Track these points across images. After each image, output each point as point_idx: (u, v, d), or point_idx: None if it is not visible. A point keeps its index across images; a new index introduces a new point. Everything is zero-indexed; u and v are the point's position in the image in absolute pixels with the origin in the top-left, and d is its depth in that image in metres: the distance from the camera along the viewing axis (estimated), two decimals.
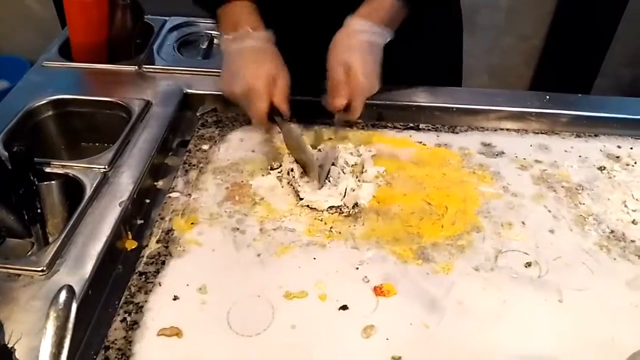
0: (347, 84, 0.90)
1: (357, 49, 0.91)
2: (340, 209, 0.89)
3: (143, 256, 0.83)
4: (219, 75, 1.14)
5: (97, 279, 0.75)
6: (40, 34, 2.28)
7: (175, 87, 1.11)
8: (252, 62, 0.92)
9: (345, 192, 0.90)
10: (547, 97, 1.09)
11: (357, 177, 0.93)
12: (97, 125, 1.10)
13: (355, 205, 0.89)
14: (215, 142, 1.04)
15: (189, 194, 0.93)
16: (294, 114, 0.96)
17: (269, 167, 0.97)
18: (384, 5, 0.94)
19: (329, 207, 0.89)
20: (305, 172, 0.93)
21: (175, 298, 0.76)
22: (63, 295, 0.60)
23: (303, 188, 0.90)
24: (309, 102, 1.02)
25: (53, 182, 0.89)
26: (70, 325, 0.58)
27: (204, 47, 1.28)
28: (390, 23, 0.94)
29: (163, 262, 0.81)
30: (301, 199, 0.90)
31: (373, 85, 0.92)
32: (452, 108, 1.08)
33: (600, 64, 2.32)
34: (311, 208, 0.89)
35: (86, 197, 0.85)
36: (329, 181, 0.92)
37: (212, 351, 0.70)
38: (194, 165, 0.99)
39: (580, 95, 1.13)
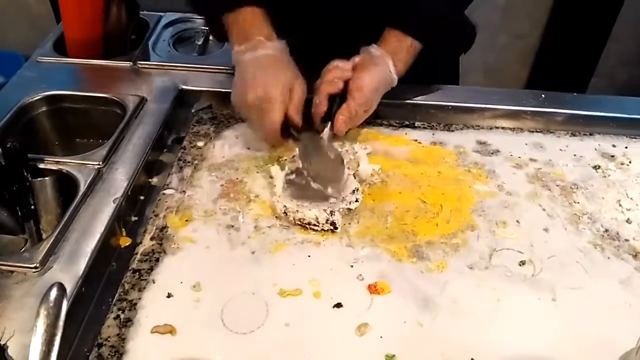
0: (352, 81, 0.92)
1: (375, 74, 0.93)
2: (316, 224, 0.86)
3: (137, 253, 0.82)
4: (214, 72, 1.14)
5: (91, 276, 0.75)
6: (35, 29, 2.27)
7: (170, 84, 1.10)
8: (267, 70, 0.90)
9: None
10: (543, 95, 1.10)
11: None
12: (92, 122, 1.09)
13: (332, 223, 0.85)
14: (211, 139, 1.04)
15: (184, 191, 0.92)
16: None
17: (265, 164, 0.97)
18: (405, 46, 0.95)
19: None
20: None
21: (169, 295, 0.76)
22: (54, 293, 0.59)
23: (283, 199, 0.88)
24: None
25: (47, 178, 0.89)
26: (61, 323, 0.58)
27: (200, 43, 1.27)
28: (405, 66, 0.96)
29: (157, 260, 0.81)
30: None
31: (373, 106, 0.96)
32: (448, 106, 1.08)
33: (595, 63, 2.33)
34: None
35: (80, 194, 0.84)
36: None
37: (205, 349, 0.70)
38: (188, 162, 0.98)
39: (575, 94, 1.13)
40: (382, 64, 0.94)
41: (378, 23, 0.97)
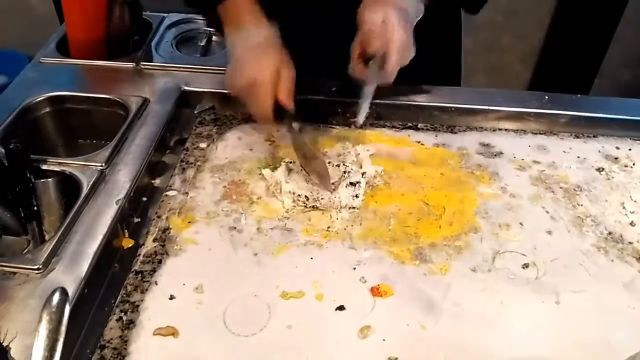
0: (382, 34, 0.86)
1: (393, 7, 0.87)
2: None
3: (139, 255, 0.82)
4: (217, 73, 1.14)
5: (93, 277, 0.75)
6: (39, 29, 2.26)
7: (173, 85, 1.10)
8: (257, 56, 0.91)
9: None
10: (546, 97, 1.09)
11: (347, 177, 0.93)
12: (95, 123, 1.09)
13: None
14: (213, 140, 1.04)
15: (186, 193, 0.92)
16: (299, 112, 0.95)
17: (268, 166, 0.97)
18: None
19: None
20: (314, 177, 0.92)
21: (172, 297, 0.76)
22: (56, 298, 0.59)
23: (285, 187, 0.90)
24: (318, 101, 1.04)
25: (50, 179, 0.89)
26: (63, 328, 0.58)
27: (203, 44, 1.27)
28: None
29: (159, 261, 0.81)
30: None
31: (410, 44, 0.88)
32: (451, 108, 1.08)
33: (599, 65, 2.32)
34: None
35: (83, 195, 0.84)
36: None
37: (208, 351, 0.70)
38: (191, 163, 0.98)
39: (579, 95, 1.13)
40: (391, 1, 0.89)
41: None
